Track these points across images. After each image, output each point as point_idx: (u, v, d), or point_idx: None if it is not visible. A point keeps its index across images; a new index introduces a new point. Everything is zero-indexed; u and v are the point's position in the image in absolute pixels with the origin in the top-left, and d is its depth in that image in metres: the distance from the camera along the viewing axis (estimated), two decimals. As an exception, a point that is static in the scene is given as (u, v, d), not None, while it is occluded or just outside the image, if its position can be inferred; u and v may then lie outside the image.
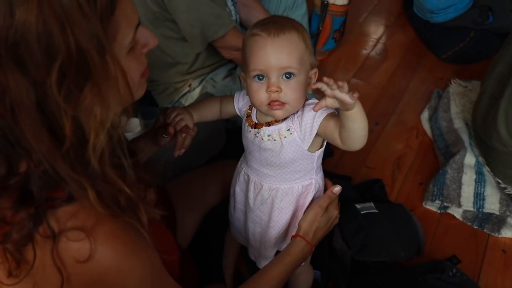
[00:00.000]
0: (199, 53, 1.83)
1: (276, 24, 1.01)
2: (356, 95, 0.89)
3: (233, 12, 1.85)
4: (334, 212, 1.21)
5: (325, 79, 0.89)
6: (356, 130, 0.97)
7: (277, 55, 1.00)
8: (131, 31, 0.71)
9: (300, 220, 1.17)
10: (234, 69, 1.97)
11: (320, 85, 0.91)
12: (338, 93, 0.89)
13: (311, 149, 1.10)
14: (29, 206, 0.68)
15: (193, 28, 1.68)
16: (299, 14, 2.21)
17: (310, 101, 1.09)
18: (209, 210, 1.53)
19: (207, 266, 1.47)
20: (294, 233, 1.19)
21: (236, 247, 1.49)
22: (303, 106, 1.07)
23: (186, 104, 1.92)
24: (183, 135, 1.19)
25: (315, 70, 1.08)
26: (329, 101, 0.93)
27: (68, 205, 0.70)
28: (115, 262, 0.73)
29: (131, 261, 0.76)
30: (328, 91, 0.90)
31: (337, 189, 1.18)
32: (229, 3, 1.83)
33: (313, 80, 1.08)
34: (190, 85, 1.93)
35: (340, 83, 0.89)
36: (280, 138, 1.09)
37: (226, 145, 1.85)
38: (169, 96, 1.96)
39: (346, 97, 0.89)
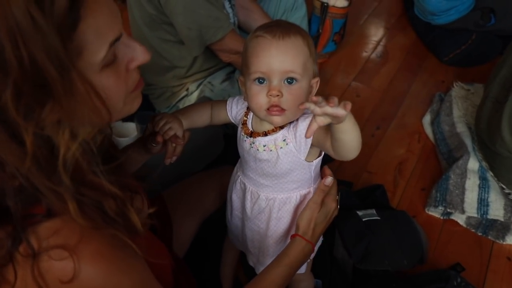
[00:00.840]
0: (197, 57, 1.80)
1: (281, 27, 0.98)
2: (348, 105, 0.82)
3: (231, 15, 1.82)
4: (332, 205, 1.15)
5: (313, 98, 0.83)
6: (349, 142, 0.92)
7: (281, 57, 0.96)
8: (103, 47, 0.66)
9: (297, 219, 1.14)
10: (233, 73, 1.93)
11: (308, 105, 0.83)
12: (329, 109, 0.82)
13: (308, 158, 1.06)
14: (6, 224, 0.65)
15: (191, 30, 1.65)
16: (299, 16, 2.17)
17: (306, 110, 1.04)
18: (206, 217, 1.49)
19: (205, 275, 1.44)
20: None
21: (235, 255, 1.46)
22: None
23: (184, 108, 1.88)
24: (173, 144, 1.16)
25: (317, 79, 1.04)
26: (319, 120, 0.86)
27: (49, 221, 0.67)
28: (101, 281, 0.70)
29: (118, 280, 0.73)
30: (317, 109, 0.83)
31: (329, 180, 1.11)
32: (227, 6, 1.80)
33: (314, 89, 1.04)
34: (187, 89, 1.90)
35: (330, 100, 0.82)
36: (276, 149, 1.05)
37: (224, 150, 1.81)
38: (166, 100, 1.92)
39: (338, 110, 0.82)
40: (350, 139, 0.92)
